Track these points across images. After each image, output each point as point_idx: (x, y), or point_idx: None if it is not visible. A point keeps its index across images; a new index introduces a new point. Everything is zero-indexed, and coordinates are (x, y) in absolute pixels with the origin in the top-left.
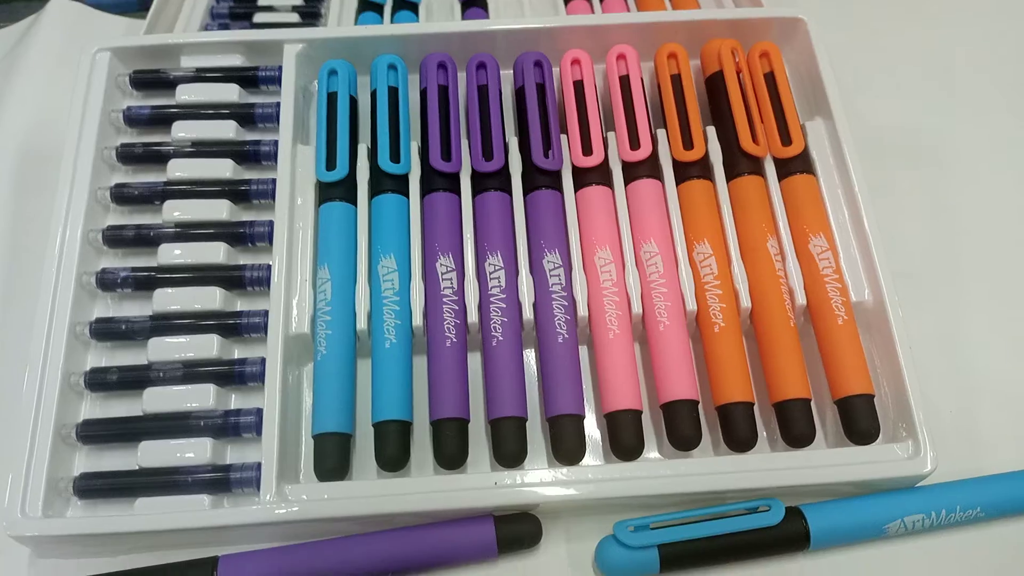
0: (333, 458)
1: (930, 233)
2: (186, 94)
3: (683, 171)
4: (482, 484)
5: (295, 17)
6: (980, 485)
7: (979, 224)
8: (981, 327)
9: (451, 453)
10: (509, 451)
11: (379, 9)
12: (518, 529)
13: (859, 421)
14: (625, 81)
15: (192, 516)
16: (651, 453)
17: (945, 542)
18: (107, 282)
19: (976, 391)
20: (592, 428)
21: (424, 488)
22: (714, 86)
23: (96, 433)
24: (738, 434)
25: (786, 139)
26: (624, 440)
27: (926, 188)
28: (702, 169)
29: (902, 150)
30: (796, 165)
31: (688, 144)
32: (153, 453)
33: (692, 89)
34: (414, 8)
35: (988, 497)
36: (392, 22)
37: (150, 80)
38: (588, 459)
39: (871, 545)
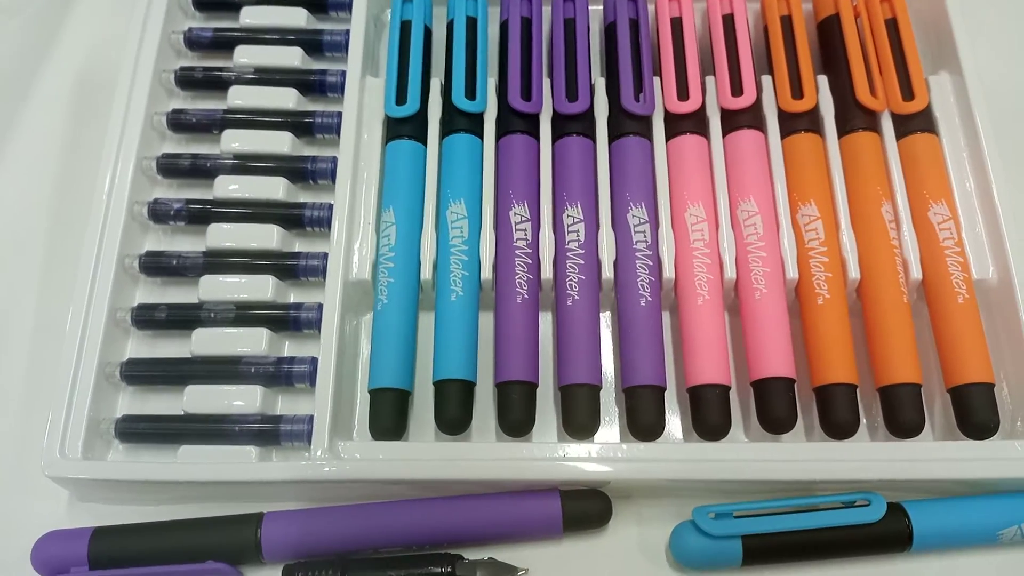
0: (389, 416)
1: None
2: (250, 17)
3: (790, 123)
4: (549, 455)
5: None
6: None
7: None
8: None
9: (517, 419)
10: (580, 422)
11: None
12: (586, 506)
13: (976, 412)
14: (728, 21)
15: (238, 468)
16: (737, 434)
17: None
18: (159, 213)
19: None
20: (673, 403)
21: (486, 455)
22: (828, 31)
23: (141, 373)
24: (838, 419)
25: (908, 93)
26: (709, 418)
27: None
28: (811, 122)
29: None
30: (917, 123)
31: (797, 93)
32: (200, 398)
33: (804, 33)
34: None
35: None
36: None
37: (214, 1)
38: (667, 436)
39: (981, 552)
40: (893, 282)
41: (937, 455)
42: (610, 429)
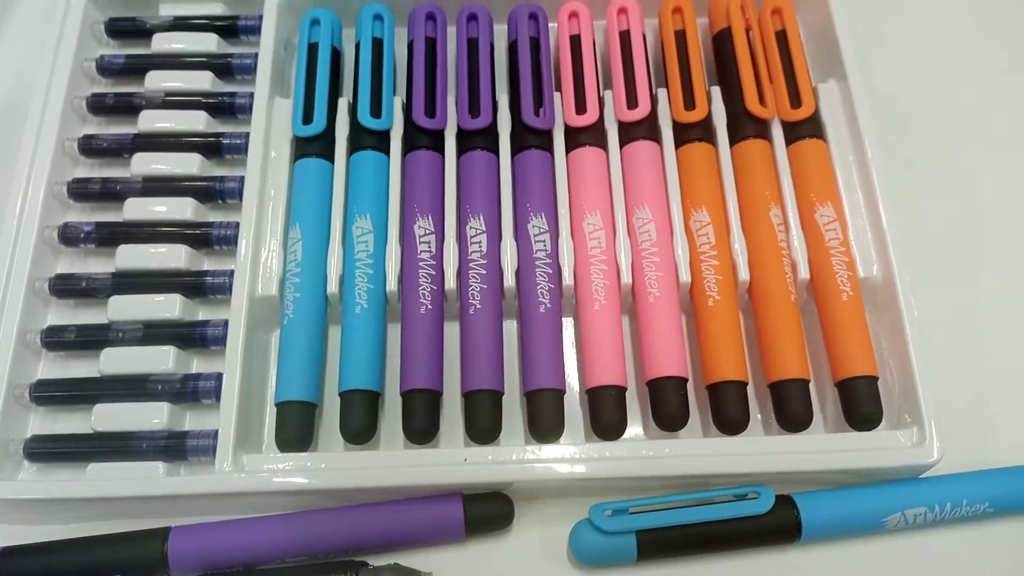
0: (295, 428)
1: (947, 208)
2: (162, 43)
3: (683, 133)
4: (452, 460)
5: None
6: (989, 478)
7: (1000, 201)
8: (998, 310)
9: (421, 426)
10: (482, 426)
11: None
12: (488, 509)
13: (860, 405)
14: (625, 37)
15: (145, 484)
16: (634, 433)
17: (949, 538)
18: (69, 237)
19: (988, 378)
20: (573, 404)
21: (390, 462)
22: (721, 44)
23: (50, 394)
24: (729, 415)
25: (796, 101)
26: (605, 418)
27: (945, 160)
28: (704, 131)
29: (922, 120)
30: (805, 129)
31: (690, 104)
32: (108, 417)
33: (697, 46)
34: None
35: (997, 491)
36: None
37: (126, 28)
38: (566, 437)
39: (868, 539)
40: (781, 282)
41: (825, 447)
42: (513, 433)
